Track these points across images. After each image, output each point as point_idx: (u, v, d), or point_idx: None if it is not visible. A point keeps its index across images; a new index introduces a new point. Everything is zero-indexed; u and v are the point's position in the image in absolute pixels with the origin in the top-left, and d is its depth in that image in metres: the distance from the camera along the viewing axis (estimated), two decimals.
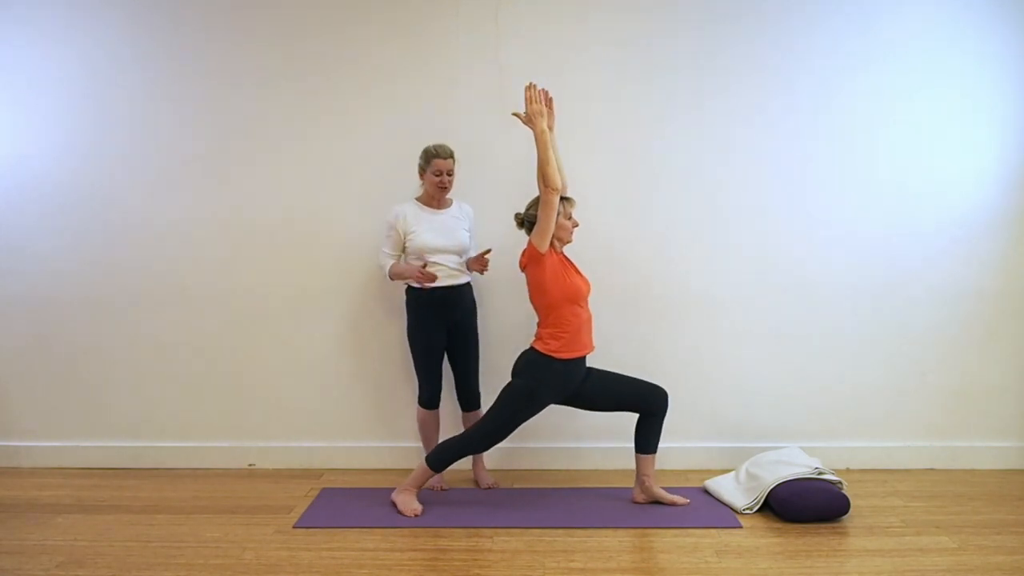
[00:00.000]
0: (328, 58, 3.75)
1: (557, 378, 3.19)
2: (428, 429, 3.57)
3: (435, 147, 3.42)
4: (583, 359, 3.26)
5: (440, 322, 3.47)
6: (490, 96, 3.70)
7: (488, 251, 3.45)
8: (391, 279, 3.49)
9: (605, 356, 3.53)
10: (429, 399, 3.54)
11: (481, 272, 3.50)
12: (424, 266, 3.36)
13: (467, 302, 3.54)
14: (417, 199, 3.50)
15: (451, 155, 3.43)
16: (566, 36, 3.73)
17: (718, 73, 3.73)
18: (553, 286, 3.14)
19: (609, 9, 3.72)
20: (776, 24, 3.71)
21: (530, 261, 3.17)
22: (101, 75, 3.78)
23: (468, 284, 3.54)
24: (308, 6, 3.74)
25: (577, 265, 3.29)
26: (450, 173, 3.42)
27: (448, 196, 3.51)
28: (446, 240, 3.42)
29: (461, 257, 3.48)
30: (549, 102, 3.26)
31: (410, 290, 3.50)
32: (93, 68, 3.78)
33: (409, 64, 3.75)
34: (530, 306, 3.26)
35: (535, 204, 3.18)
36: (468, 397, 3.61)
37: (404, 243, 3.43)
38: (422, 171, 3.45)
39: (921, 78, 3.73)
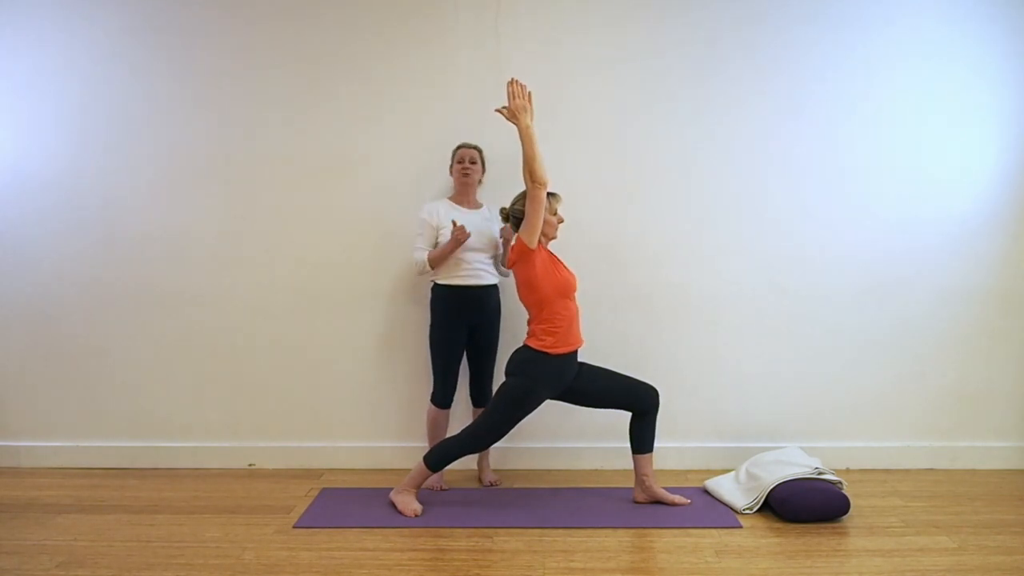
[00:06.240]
0: (328, 66, 3.76)
1: (553, 374, 3.18)
2: (438, 428, 3.55)
3: (462, 142, 3.56)
4: (575, 353, 3.24)
5: (464, 322, 3.47)
6: (492, 103, 3.68)
7: (506, 226, 3.41)
8: (431, 268, 3.44)
9: (605, 355, 3.54)
10: (443, 398, 3.53)
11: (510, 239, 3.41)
12: (459, 227, 3.30)
13: (493, 303, 3.54)
14: (450, 198, 3.56)
15: (476, 147, 3.53)
16: (567, 42, 3.74)
17: (718, 79, 3.74)
18: (544, 282, 3.12)
19: (610, 17, 3.72)
20: (778, 30, 3.72)
21: (519, 258, 3.14)
22: (102, 75, 3.78)
23: (495, 286, 3.55)
24: (308, 18, 3.74)
25: (565, 261, 3.27)
26: (472, 161, 3.50)
27: (477, 198, 3.58)
28: (479, 238, 3.42)
29: (491, 257, 3.50)
30: (528, 97, 3.25)
31: (437, 287, 3.50)
32: (94, 68, 3.78)
33: (411, 73, 3.76)
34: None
35: (521, 199, 3.17)
36: (481, 394, 3.61)
37: (437, 238, 3.44)
38: (452, 168, 3.56)
39: (920, 80, 3.75)
